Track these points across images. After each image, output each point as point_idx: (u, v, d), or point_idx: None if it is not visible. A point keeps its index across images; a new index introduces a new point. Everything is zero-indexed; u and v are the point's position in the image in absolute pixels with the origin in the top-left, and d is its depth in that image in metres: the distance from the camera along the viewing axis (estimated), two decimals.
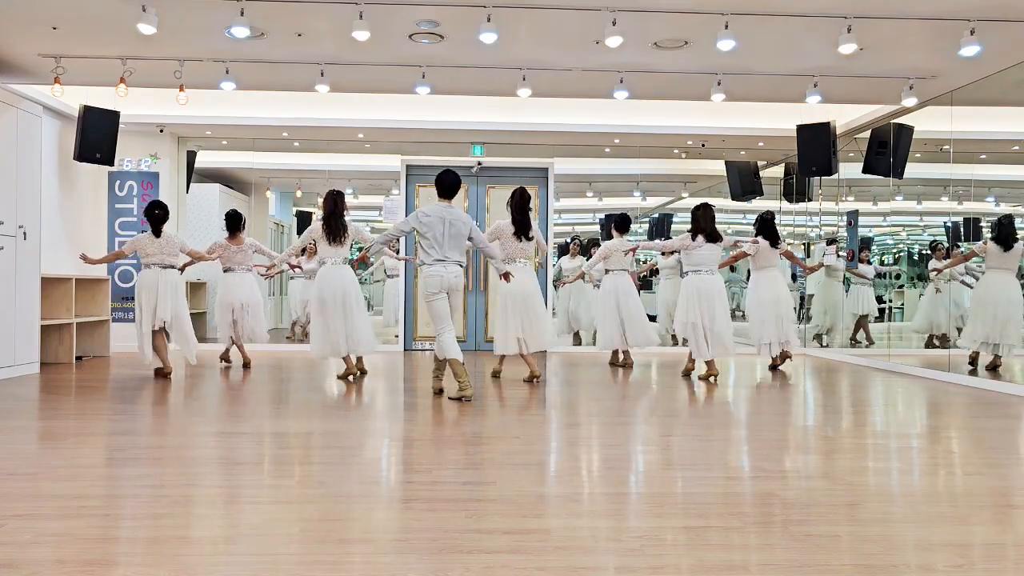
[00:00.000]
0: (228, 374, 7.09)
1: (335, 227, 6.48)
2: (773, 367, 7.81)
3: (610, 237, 8.01)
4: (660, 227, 10.81)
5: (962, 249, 7.72)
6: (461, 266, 5.65)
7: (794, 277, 10.74)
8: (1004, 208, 8.08)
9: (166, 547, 2.40)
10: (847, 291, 9.52)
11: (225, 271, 7.65)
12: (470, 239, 5.72)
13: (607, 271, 7.91)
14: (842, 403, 5.97)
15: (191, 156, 9.78)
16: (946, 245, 8.16)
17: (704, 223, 6.89)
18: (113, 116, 7.85)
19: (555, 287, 9.96)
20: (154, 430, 4.50)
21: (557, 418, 5.06)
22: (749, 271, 7.95)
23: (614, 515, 2.80)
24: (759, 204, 10.49)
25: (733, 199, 10.33)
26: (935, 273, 8.21)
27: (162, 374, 6.75)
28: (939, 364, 7.59)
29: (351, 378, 6.68)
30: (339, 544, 2.50)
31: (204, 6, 5.50)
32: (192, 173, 9.84)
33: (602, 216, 10.65)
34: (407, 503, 2.90)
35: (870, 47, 6.13)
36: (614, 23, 5.53)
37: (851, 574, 2.22)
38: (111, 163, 8.08)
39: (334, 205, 6.52)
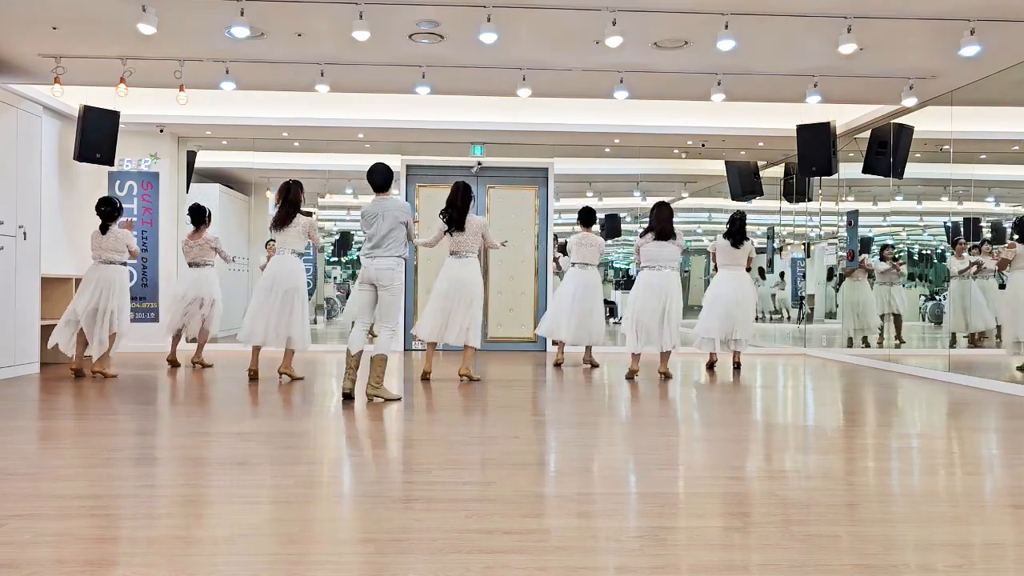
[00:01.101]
0: (203, 374, 7.10)
1: (278, 213, 6.41)
2: (710, 365, 7.76)
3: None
4: None
5: (1002, 254, 7.60)
6: (401, 257, 5.50)
7: (803, 275, 10.72)
8: (1004, 208, 8.08)
9: (166, 547, 2.40)
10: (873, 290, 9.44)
11: (190, 265, 7.62)
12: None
13: (573, 264, 7.85)
14: (842, 403, 5.97)
15: (191, 156, 9.78)
16: (971, 243, 8.05)
17: (655, 221, 6.95)
18: (113, 116, 7.84)
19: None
20: (154, 430, 4.50)
21: (556, 418, 5.05)
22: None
23: (614, 515, 2.80)
24: (759, 204, 10.49)
25: (733, 199, 10.32)
26: (974, 269, 8.02)
27: (74, 371, 6.62)
28: (940, 364, 7.59)
29: (283, 378, 6.49)
30: (339, 544, 2.50)
31: (204, 6, 5.50)
32: (192, 173, 9.83)
33: (602, 216, 10.63)
34: (407, 503, 2.90)
35: (870, 47, 6.13)
36: (614, 23, 5.52)
37: (851, 574, 2.22)
38: (111, 163, 8.08)
39: (287, 192, 6.46)
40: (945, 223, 8.57)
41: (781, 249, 11.26)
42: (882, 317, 9.29)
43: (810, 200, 10.27)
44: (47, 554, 2.33)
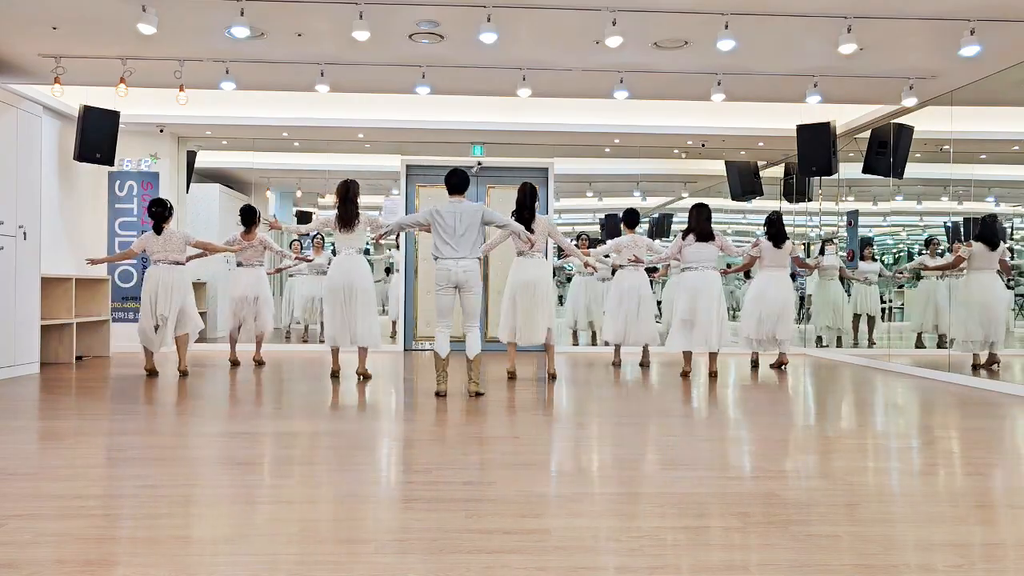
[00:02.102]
0: (233, 374, 7.09)
1: (343, 214, 6.44)
2: (754, 363, 7.98)
3: (611, 236, 8.04)
4: (660, 227, 10.81)
5: (960, 252, 7.68)
6: (478, 259, 5.71)
7: (793, 277, 10.73)
8: (1004, 208, 8.08)
9: (166, 547, 2.40)
10: (848, 291, 9.50)
11: (237, 265, 7.70)
12: (489, 224, 5.79)
13: (620, 266, 7.90)
14: (842, 403, 5.98)
15: (191, 156, 9.78)
16: (945, 243, 8.13)
17: (695, 222, 7.07)
18: (113, 116, 7.84)
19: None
20: (154, 430, 4.50)
21: (558, 418, 5.05)
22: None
23: (614, 515, 2.80)
24: (759, 204, 10.48)
25: (733, 199, 10.33)
26: (923, 269, 8.26)
27: (150, 372, 6.73)
28: (940, 364, 7.59)
29: (341, 377, 6.62)
30: (339, 544, 2.50)
31: (204, 6, 5.50)
32: (192, 173, 9.83)
33: (602, 216, 10.63)
34: (407, 503, 2.90)
35: (870, 47, 6.13)
36: (614, 23, 5.53)
37: (851, 574, 2.22)
38: (111, 163, 8.08)
39: (346, 191, 6.47)
40: (945, 223, 8.58)
41: None
42: (856, 316, 9.37)
43: (810, 200, 10.27)
44: (47, 554, 2.34)
